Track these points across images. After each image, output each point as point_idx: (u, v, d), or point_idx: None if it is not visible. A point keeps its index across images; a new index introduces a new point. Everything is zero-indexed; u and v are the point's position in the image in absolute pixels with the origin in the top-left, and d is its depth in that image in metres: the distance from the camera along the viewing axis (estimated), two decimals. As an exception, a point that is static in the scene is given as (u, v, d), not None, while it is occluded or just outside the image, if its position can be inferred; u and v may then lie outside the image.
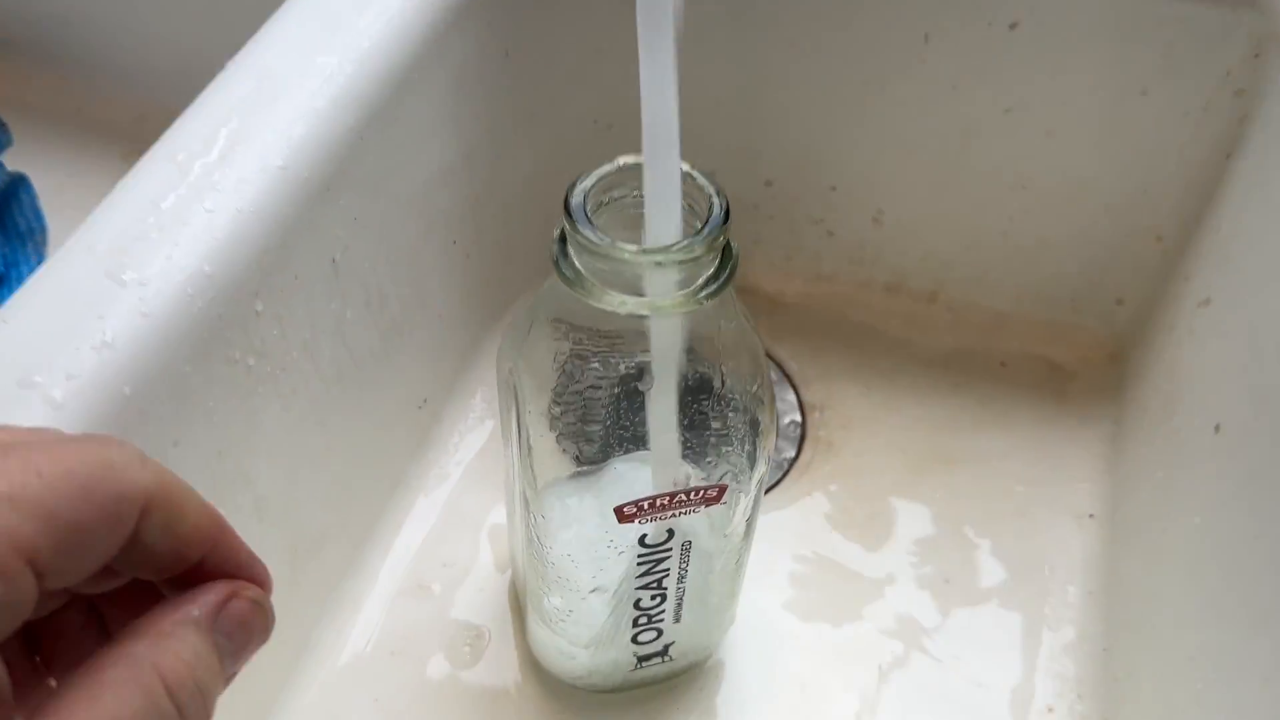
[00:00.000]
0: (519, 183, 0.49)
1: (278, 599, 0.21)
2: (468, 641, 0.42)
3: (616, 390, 0.30)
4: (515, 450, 0.33)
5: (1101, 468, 0.48)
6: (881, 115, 0.48)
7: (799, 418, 0.50)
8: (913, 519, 0.47)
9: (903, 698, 0.41)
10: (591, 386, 0.30)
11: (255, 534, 0.31)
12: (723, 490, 0.32)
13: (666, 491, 0.31)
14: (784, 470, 0.48)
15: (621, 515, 0.31)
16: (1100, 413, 0.50)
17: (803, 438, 0.49)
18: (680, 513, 0.32)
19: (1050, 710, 0.41)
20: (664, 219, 0.27)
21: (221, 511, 0.20)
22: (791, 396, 0.51)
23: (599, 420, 0.31)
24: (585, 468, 0.31)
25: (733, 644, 0.42)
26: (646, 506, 0.31)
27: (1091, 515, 0.46)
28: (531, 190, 0.49)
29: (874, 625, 0.43)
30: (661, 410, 0.30)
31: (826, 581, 0.45)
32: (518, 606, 0.42)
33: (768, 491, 0.47)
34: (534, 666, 0.41)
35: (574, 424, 0.31)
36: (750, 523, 0.35)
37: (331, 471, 0.40)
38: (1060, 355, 0.52)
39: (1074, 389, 0.51)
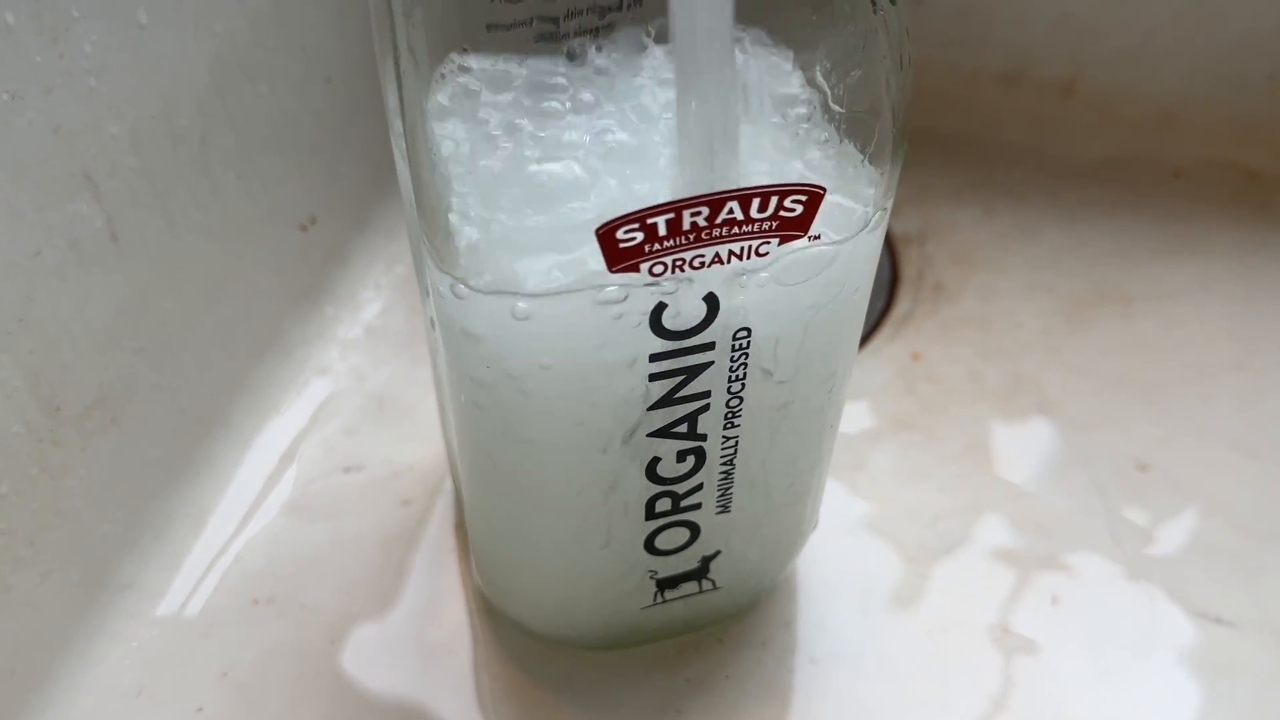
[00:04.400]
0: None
1: None
2: (386, 584, 0.26)
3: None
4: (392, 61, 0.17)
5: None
6: None
7: (885, 253, 0.34)
8: (1078, 381, 0.30)
9: (1086, 636, 0.25)
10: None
11: None
12: (816, 201, 0.15)
13: (701, 194, 0.15)
14: (872, 323, 0.32)
15: (612, 247, 0.15)
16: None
17: (895, 280, 0.33)
18: (729, 251, 0.16)
19: None
20: None
21: None
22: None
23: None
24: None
25: (814, 566, 0.26)
26: (662, 231, 0.15)
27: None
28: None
29: (1036, 539, 0.27)
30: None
31: (962, 476, 0.28)
32: (464, 528, 0.26)
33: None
34: (489, 615, 0.25)
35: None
36: (859, 297, 0.19)
37: (163, 344, 0.24)
38: (1257, 159, 0.36)
39: (1287, 201, 0.35)
